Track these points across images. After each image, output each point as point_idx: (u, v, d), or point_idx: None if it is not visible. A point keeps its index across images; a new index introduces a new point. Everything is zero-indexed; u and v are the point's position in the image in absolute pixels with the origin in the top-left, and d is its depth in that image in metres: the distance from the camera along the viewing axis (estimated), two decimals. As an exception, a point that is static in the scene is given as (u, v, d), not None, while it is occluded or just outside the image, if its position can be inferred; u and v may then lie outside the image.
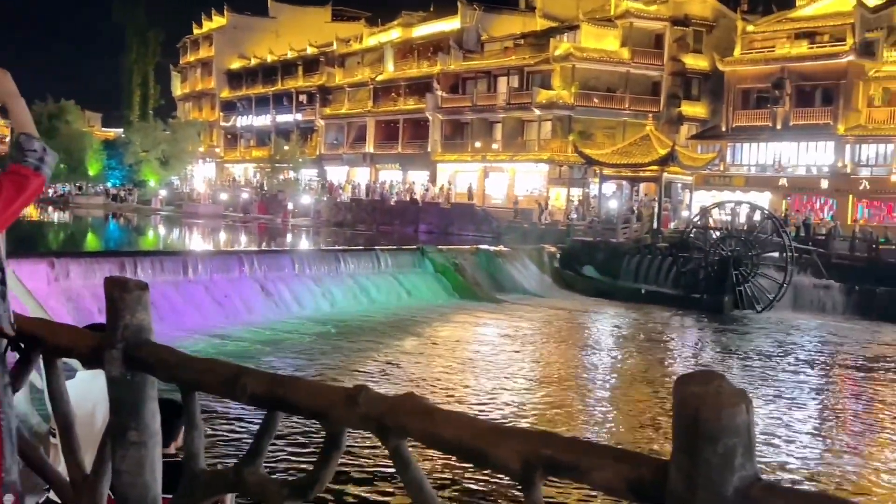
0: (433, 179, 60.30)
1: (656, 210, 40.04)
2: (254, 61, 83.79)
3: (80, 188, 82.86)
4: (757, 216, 32.98)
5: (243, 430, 12.46)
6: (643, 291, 31.62)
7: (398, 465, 1.74)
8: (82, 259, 21.51)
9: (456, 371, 18.69)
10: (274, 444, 10.21)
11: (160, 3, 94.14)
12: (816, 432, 15.00)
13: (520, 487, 1.55)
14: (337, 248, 33.24)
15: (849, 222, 41.42)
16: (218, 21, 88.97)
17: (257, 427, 2.09)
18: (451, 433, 1.63)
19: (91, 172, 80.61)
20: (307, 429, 11.93)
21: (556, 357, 21.45)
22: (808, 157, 45.81)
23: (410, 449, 1.77)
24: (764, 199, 43.27)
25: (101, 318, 2.46)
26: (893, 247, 34.67)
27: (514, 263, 33.38)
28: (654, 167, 39.01)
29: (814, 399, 18.05)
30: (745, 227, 32.99)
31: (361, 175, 67.86)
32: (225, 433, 12.38)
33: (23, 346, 2.64)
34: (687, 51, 53.49)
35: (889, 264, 31.48)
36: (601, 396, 17.47)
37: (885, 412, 17.05)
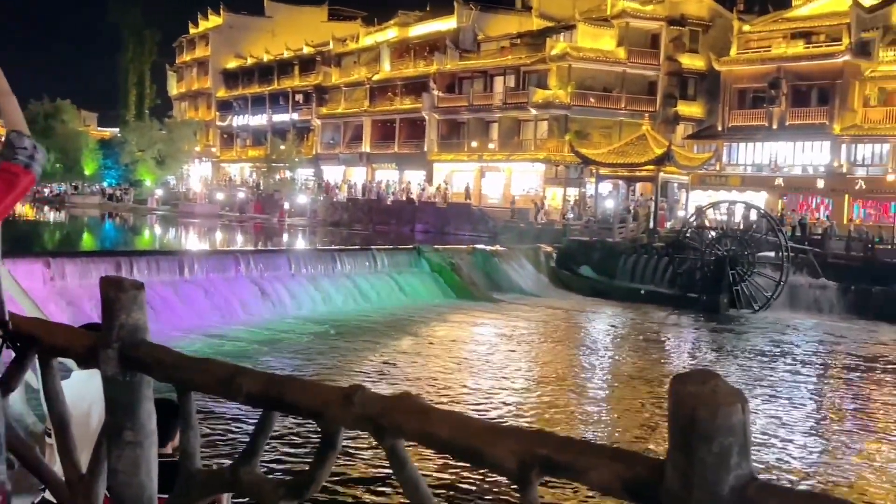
0: (429, 179, 60.30)
1: (652, 210, 40.06)
2: (250, 61, 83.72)
3: (76, 188, 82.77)
4: (753, 216, 33.03)
5: (240, 429, 12.45)
6: (642, 292, 31.60)
7: (394, 465, 1.74)
8: (78, 259, 21.50)
9: (452, 371, 18.70)
10: (271, 445, 10.20)
11: (156, 2, 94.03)
12: (812, 432, 15.02)
13: (516, 487, 1.55)
14: (333, 247, 33.21)
15: (844, 222, 41.49)
16: (214, 20, 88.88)
17: (253, 427, 2.09)
18: (447, 433, 1.63)
19: (87, 172, 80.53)
20: (303, 429, 11.93)
21: (552, 357, 21.46)
22: (804, 156, 45.87)
23: (407, 449, 1.77)
24: (760, 198, 43.32)
25: (97, 318, 2.45)
26: (889, 246, 34.74)
27: (511, 263, 33.39)
28: (651, 167, 39.03)
29: (810, 398, 18.08)
30: (741, 227, 33.04)
31: (358, 175, 67.84)
32: (222, 433, 12.37)
33: (18, 345, 2.64)
34: (683, 50, 53.53)
35: (885, 264, 31.54)
36: (597, 396, 17.49)
37: (881, 411, 17.08)
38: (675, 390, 1.30)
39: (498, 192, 56.77)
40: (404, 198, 56.56)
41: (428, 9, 69.28)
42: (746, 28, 48.99)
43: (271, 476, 2.05)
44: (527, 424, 13.83)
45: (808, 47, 45.75)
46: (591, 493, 9.64)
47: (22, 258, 20.14)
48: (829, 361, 22.34)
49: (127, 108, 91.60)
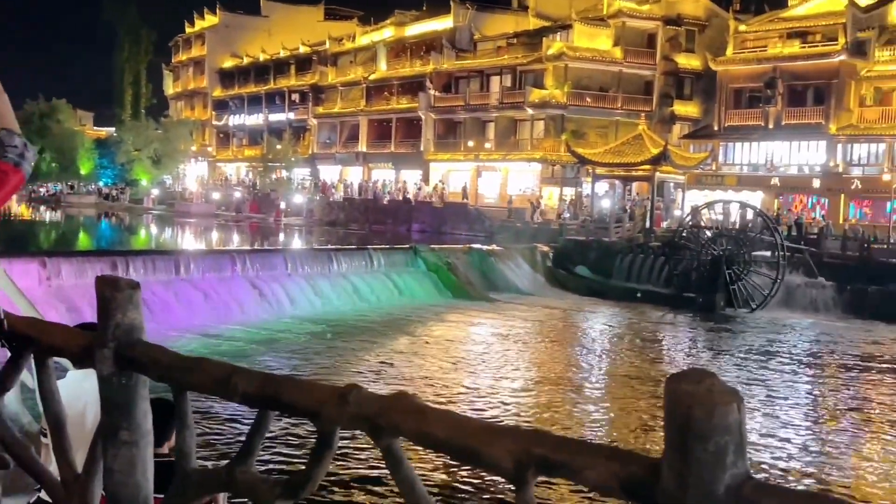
0: (426, 178, 60.29)
1: (649, 209, 40.10)
2: (246, 60, 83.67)
3: (71, 187, 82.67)
4: (749, 215, 33.07)
5: (236, 429, 12.44)
6: (639, 295, 31.58)
7: (390, 465, 1.74)
8: (74, 258, 21.47)
9: (449, 370, 18.70)
10: (267, 444, 10.20)
11: (152, 1, 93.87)
12: (809, 431, 15.04)
13: (512, 487, 1.55)
14: (329, 247, 33.22)
15: (840, 221, 41.56)
16: (210, 20, 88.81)
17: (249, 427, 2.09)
18: (443, 432, 1.62)
19: (83, 171, 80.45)
20: (300, 430, 11.92)
21: (549, 356, 21.47)
22: (800, 156, 45.94)
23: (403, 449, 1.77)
24: (756, 198, 43.36)
25: (93, 318, 2.45)
26: (885, 246, 34.80)
27: (507, 262, 33.40)
28: (647, 166, 39.06)
29: (806, 398, 18.11)
30: (737, 226, 33.08)
31: (354, 174, 67.83)
32: (218, 433, 12.36)
33: (14, 345, 2.63)
34: (679, 50, 53.58)
35: (880, 263, 31.59)
36: (594, 396, 17.49)
37: (877, 410, 17.11)
38: (671, 389, 1.30)
39: (494, 191, 56.79)
40: (401, 197, 56.54)
41: (424, 8, 69.30)
42: (742, 28, 49.06)
43: (267, 476, 2.05)
44: (523, 424, 13.84)
45: (804, 47, 45.82)
46: (588, 494, 9.65)
47: (18, 258, 20.14)
48: (825, 361, 22.37)
49: (123, 107, 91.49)
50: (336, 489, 10.32)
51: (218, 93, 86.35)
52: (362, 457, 11.17)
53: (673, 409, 1.29)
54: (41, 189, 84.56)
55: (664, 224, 41.50)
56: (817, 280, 30.98)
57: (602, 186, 45.27)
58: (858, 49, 44.14)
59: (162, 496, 2.30)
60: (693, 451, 1.26)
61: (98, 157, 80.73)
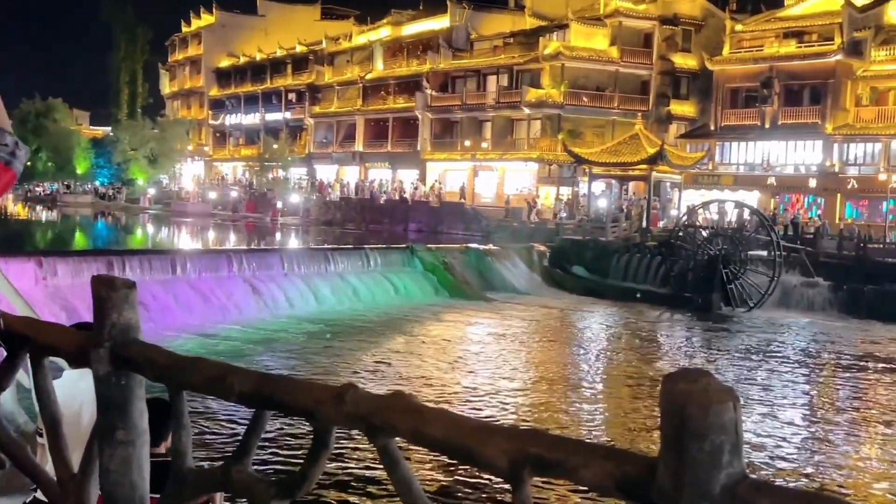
0: (423, 178, 60.28)
1: (645, 209, 40.13)
2: (243, 59, 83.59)
3: (68, 187, 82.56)
4: (745, 215, 33.11)
5: (233, 429, 12.43)
6: (638, 295, 31.55)
7: (386, 464, 1.74)
8: (70, 258, 21.45)
9: (445, 370, 18.70)
10: (264, 444, 10.19)
11: (149, 0, 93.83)
12: (805, 430, 15.06)
13: (508, 486, 1.55)
14: (326, 246, 33.21)
15: (836, 221, 41.61)
16: (207, 19, 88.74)
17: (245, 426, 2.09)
18: (440, 431, 1.62)
19: (79, 171, 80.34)
20: (297, 430, 11.92)
21: (545, 356, 21.48)
22: (797, 156, 46.00)
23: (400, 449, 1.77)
24: (752, 198, 43.44)
25: (89, 317, 2.45)
26: (880, 245, 34.85)
27: (504, 262, 33.41)
28: (643, 166, 39.08)
29: (802, 397, 18.13)
30: (734, 226, 33.11)
31: (351, 174, 67.79)
32: (216, 432, 12.35)
33: (10, 344, 2.63)
34: (676, 50, 53.60)
35: (876, 263, 31.64)
36: (590, 395, 17.51)
37: (873, 410, 17.14)
38: (667, 388, 1.30)
39: (491, 191, 56.80)
40: (397, 197, 56.53)
41: (421, 7, 69.26)
42: (739, 27, 49.10)
43: (263, 475, 2.05)
44: (520, 423, 13.85)
45: (800, 47, 45.88)
46: (586, 493, 9.65)
47: (14, 257, 20.12)
48: (822, 360, 22.40)
49: (119, 106, 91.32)
50: (332, 489, 10.32)
51: (214, 92, 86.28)
52: (359, 457, 11.17)
53: (669, 409, 1.29)
54: (37, 188, 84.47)
55: (661, 223, 41.53)
56: (814, 280, 31.02)
57: (599, 186, 45.29)
58: (855, 49, 44.20)
59: (158, 496, 2.30)
60: (689, 450, 1.26)
61: (94, 157, 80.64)
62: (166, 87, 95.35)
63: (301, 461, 1.89)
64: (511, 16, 62.69)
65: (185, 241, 46.27)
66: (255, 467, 2.06)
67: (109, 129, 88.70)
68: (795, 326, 27.81)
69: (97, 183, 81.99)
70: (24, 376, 3.37)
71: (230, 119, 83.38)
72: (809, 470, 12.58)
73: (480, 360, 19.92)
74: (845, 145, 44.33)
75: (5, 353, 2.67)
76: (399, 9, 71.34)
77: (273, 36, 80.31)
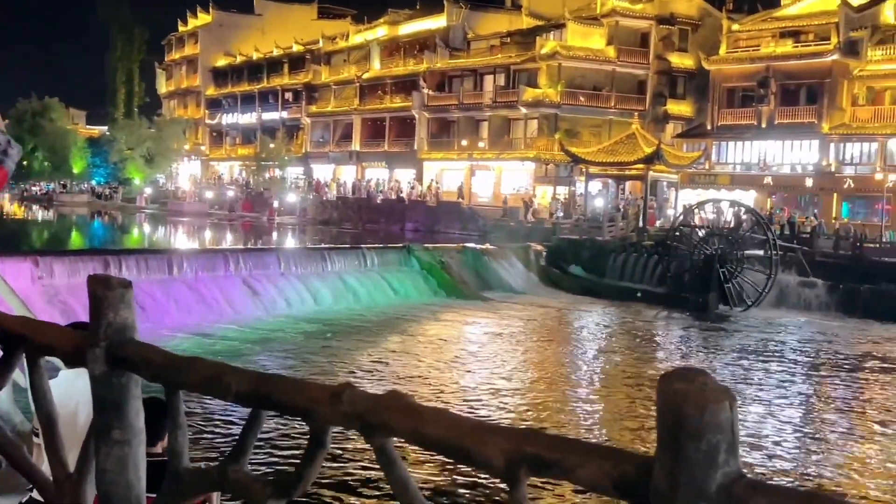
0: (419, 178, 60.27)
1: (642, 208, 40.16)
2: (239, 59, 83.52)
3: (64, 186, 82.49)
4: (742, 214, 33.13)
5: (230, 429, 12.43)
6: (639, 295, 31.52)
7: (383, 464, 1.74)
8: (66, 257, 21.42)
9: (442, 369, 18.70)
10: (260, 443, 10.18)
11: (146, 0, 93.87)
12: (801, 429, 15.08)
13: (505, 486, 1.55)
14: (323, 246, 33.19)
15: (833, 220, 41.67)
16: (203, 18, 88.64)
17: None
18: (436, 431, 1.62)
19: (75, 170, 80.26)
20: (293, 430, 11.91)
21: (542, 355, 21.49)
22: (793, 155, 46.05)
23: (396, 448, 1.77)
24: (749, 197, 43.48)
25: (85, 317, 2.44)
26: (877, 245, 34.89)
27: (501, 261, 33.41)
28: (640, 165, 39.10)
29: (799, 396, 18.15)
30: (730, 226, 33.13)
31: (348, 173, 67.75)
32: (212, 432, 12.34)
33: (6, 344, 2.63)
34: (672, 49, 53.64)
35: (873, 262, 31.68)
36: (587, 394, 17.52)
37: (869, 409, 17.16)
38: (663, 388, 1.30)
39: (488, 190, 56.79)
40: (394, 196, 56.52)
41: (418, 7, 69.25)
42: (735, 27, 49.14)
43: (260, 475, 2.04)
44: (516, 423, 13.85)
45: (796, 46, 45.93)
46: (583, 493, 9.66)
47: (10, 257, 20.10)
48: (818, 359, 22.42)
49: (115, 106, 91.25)
50: (329, 489, 10.31)
51: (211, 91, 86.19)
52: (356, 457, 11.16)
53: (665, 408, 1.29)
54: (34, 188, 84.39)
55: (657, 223, 41.58)
56: (810, 279, 31.05)
57: (595, 185, 45.31)
58: (851, 48, 44.26)
59: (154, 495, 2.29)
60: (685, 449, 1.26)
61: (91, 156, 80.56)
62: (163, 87, 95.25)
63: (298, 461, 1.89)
64: (508, 15, 62.69)
65: (181, 240, 46.22)
66: (253, 468, 2.06)
67: (106, 128, 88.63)
68: (792, 326, 27.84)
69: (93, 182, 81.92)
70: (20, 376, 3.36)
71: (227, 118, 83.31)
72: (806, 469, 12.59)
73: (477, 360, 19.92)
74: (842, 145, 44.38)
75: (1, 353, 2.67)
76: (396, 8, 71.37)
77: (270, 35, 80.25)
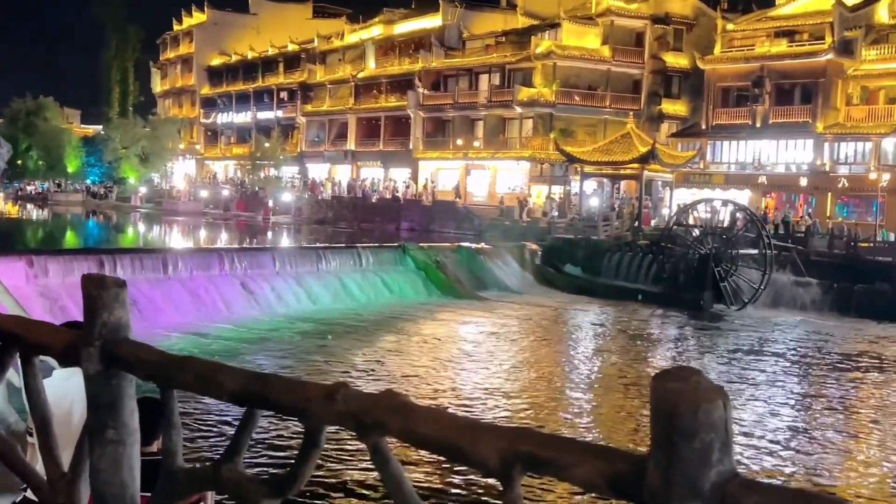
0: (415, 177, 60.25)
1: (637, 207, 40.19)
2: (234, 58, 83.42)
3: (59, 185, 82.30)
4: (736, 213, 33.18)
5: (225, 428, 12.42)
6: (640, 297, 31.46)
7: (377, 463, 1.74)
8: (61, 257, 21.38)
9: (437, 368, 18.70)
10: (255, 442, 10.17)
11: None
12: (795, 428, 15.10)
13: (499, 484, 1.56)
14: (318, 245, 33.15)
15: (827, 220, 41.73)
16: (198, 17, 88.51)
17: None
18: (430, 430, 1.62)
19: (70, 169, 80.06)
20: (289, 430, 11.90)
21: (537, 354, 21.49)
22: (788, 154, 46.12)
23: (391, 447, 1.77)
24: (743, 196, 43.52)
25: (80, 316, 2.44)
26: (871, 244, 34.95)
27: (496, 261, 33.41)
28: (635, 165, 39.10)
29: (793, 395, 18.18)
30: (725, 225, 33.18)
31: (343, 172, 67.70)
32: (209, 431, 12.33)
33: (-1, 343, 2.62)
34: (667, 49, 53.69)
35: (867, 261, 31.74)
36: (582, 393, 17.53)
37: (863, 408, 17.20)
38: (657, 387, 1.30)
39: (483, 189, 56.80)
40: (389, 196, 56.50)
41: (413, 6, 69.27)
42: (730, 27, 49.21)
43: (254, 474, 2.04)
44: (512, 422, 13.85)
45: (791, 46, 46.00)
46: (577, 491, 9.66)
47: (4, 256, 20.06)
48: (813, 359, 22.46)
49: (110, 105, 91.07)
50: (323, 488, 10.31)
51: (206, 90, 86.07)
52: (350, 456, 11.16)
53: (659, 407, 1.30)
54: (28, 187, 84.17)
55: (652, 222, 41.59)
56: (805, 279, 31.09)
57: (590, 185, 45.32)
58: (845, 48, 44.34)
59: (149, 494, 2.29)
60: (679, 448, 1.27)
61: (85, 155, 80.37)
62: (158, 86, 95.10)
63: (292, 460, 1.89)
64: (503, 15, 62.70)
65: (176, 239, 46.15)
66: (249, 469, 2.06)
67: (101, 127, 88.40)
68: (787, 325, 27.88)
69: (88, 181, 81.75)
70: (14, 375, 3.36)
71: (222, 117, 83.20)
72: (800, 468, 12.62)
73: (472, 359, 19.92)
74: (836, 144, 44.46)
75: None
76: (391, 7, 71.35)
77: (265, 34, 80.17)
